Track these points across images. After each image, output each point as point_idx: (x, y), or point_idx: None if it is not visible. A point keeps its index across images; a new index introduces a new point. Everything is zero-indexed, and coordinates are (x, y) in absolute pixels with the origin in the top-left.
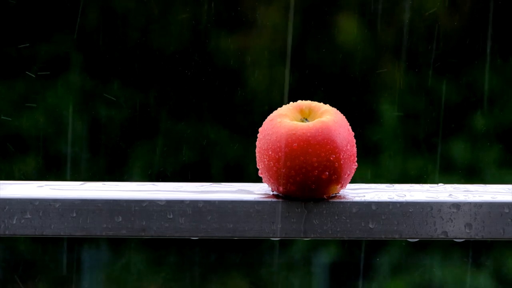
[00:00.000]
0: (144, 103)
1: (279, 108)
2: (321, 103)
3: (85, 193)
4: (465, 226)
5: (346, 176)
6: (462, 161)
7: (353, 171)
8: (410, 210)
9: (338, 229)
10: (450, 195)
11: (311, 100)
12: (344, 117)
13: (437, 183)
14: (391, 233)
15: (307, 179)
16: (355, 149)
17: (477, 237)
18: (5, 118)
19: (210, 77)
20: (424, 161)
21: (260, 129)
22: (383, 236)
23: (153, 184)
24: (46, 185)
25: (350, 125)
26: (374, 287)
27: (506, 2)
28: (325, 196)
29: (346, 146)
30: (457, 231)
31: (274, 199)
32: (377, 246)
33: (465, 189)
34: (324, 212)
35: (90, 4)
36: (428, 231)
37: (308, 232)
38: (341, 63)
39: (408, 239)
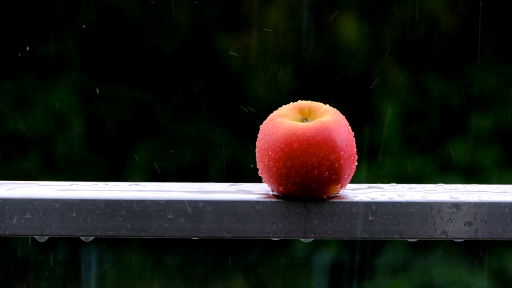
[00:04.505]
0: (144, 103)
1: (279, 108)
2: (321, 103)
3: (85, 193)
4: (465, 226)
5: (346, 176)
6: (462, 161)
7: (353, 171)
8: (410, 210)
9: (338, 229)
10: (450, 195)
11: (311, 100)
12: (344, 117)
13: (437, 183)
14: (391, 233)
15: (307, 179)
16: (355, 149)
17: (477, 237)
18: (5, 118)
19: (211, 77)
20: (424, 161)
21: (260, 129)
22: (383, 236)
23: (153, 184)
24: (46, 185)
25: (350, 125)
26: (374, 287)
27: (506, 1)
28: (325, 196)
29: (346, 146)
30: (457, 231)
31: (274, 199)
32: (377, 246)
33: (465, 189)
34: (324, 212)
35: (90, 4)
36: (428, 231)
37: (308, 232)
38: (341, 63)
39: (408, 239)
